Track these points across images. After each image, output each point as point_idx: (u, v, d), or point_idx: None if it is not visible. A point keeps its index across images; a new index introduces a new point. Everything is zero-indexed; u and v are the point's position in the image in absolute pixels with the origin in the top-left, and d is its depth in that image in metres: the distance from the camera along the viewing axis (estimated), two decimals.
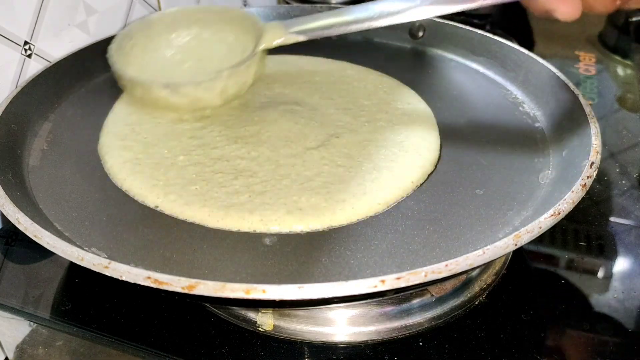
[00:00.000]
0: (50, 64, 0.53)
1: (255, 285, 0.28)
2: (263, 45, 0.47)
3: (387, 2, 0.42)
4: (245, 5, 0.83)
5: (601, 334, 0.38)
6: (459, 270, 0.29)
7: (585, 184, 0.35)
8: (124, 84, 0.49)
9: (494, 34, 0.59)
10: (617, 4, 0.30)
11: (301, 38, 0.46)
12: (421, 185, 0.42)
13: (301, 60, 0.62)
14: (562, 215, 0.33)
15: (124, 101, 0.52)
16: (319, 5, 0.69)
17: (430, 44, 0.63)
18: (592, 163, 0.37)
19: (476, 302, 0.39)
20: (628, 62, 0.76)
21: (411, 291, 0.38)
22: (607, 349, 0.37)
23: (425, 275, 0.29)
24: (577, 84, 0.63)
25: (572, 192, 0.35)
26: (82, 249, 0.32)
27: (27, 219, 0.34)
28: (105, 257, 0.31)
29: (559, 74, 0.49)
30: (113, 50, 0.49)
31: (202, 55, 0.53)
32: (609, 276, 0.42)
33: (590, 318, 0.39)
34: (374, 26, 0.42)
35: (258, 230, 0.37)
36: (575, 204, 0.34)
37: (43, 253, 0.44)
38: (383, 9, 0.42)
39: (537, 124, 0.49)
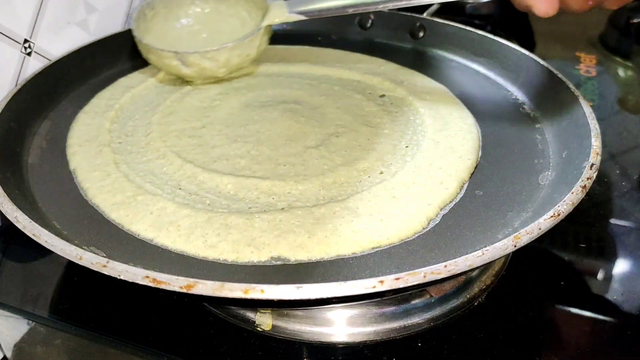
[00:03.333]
0: (50, 63, 0.53)
1: (253, 285, 0.28)
2: (266, 22, 0.51)
3: None
4: None
5: (600, 336, 0.37)
6: (458, 271, 0.29)
7: (585, 186, 0.35)
8: (140, 48, 0.54)
9: (495, 34, 0.58)
10: (590, 4, 0.31)
11: (302, 17, 0.49)
12: None
13: (302, 55, 0.62)
14: (561, 217, 0.33)
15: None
16: None
17: (430, 44, 0.63)
18: (592, 164, 0.37)
19: (475, 303, 0.39)
20: (629, 63, 0.76)
21: (410, 292, 0.38)
22: (606, 351, 0.37)
23: (424, 276, 0.29)
24: (578, 85, 0.63)
25: (572, 193, 0.35)
26: (81, 247, 0.32)
27: (26, 217, 0.34)
28: (103, 256, 0.31)
29: (560, 75, 0.49)
30: (134, 18, 0.55)
31: (217, 28, 0.58)
32: (608, 278, 0.42)
33: (590, 320, 0.39)
34: (377, 8, 0.44)
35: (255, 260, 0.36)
36: (575, 205, 0.34)
37: (41, 251, 0.44)
38: None
39: (537, 125, 0.49)
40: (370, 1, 0.45)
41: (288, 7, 0.50)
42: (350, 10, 0.46)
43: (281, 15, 0.51)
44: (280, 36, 0.67)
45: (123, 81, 0.56)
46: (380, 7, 0.44)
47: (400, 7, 0.43)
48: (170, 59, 0.52)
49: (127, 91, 0.54)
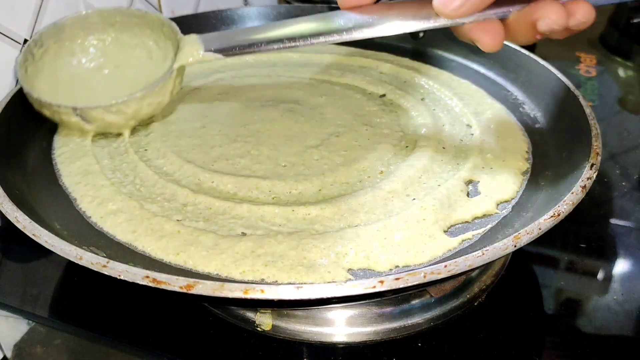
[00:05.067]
0: None
1: (253, 286, 0.28)
2: (178, 63, 0.42)
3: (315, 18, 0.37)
4: (246, 4, 0.83)
5: (600, 336, 0.37)
6: (458, 272, 0.29)
7: (585, 186, 0.35)
8: (30, 102, 0.43)
9: None
10: (538, 38, 0.31)
11: (220, 56, 0.41)
12: None
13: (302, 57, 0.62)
14: (561, 217, 0.33)
15: None
16: (319, 5, 0.69)
17: (431, 44, 0.63)
18: (593, 164, 0.37)
19: (475, 303, 0.39)
20: (629, 63, 0.76)
21: (410, 292, 0.38)
22: (606, 351, 0.37)
23: (424, 276, 0.29)
24: (578, 86, 0.63)
25: (572, 193, 0.35)
26: (81, 247, 0.32)
27: (26, 217, 0.34)
28: (104, 256, 0.31)
29: (560, 75, 0.49)
30: (20, 62, 0.44)
31: (120, 60, 0.48)
32: (608, 278, 0.42)
33: (590, 320, 0.39)
34: (305, 44, 0.37)
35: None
36: (575, 205, 0.34)
37: (41, 251, 0.44)
38: (307, 27, 0.37)
39: (537, 125, 0.49)
40: (297, 35, 0.37)
41: (203, 44, 0.41)
42: (275, 47, 0.38)
43: (195, 55, 0.41)
44: None
45: None
46: (307, 43, 0.37)
47: (332, 42, 0.36)
48: (68, 115, 0.42)
49: None
